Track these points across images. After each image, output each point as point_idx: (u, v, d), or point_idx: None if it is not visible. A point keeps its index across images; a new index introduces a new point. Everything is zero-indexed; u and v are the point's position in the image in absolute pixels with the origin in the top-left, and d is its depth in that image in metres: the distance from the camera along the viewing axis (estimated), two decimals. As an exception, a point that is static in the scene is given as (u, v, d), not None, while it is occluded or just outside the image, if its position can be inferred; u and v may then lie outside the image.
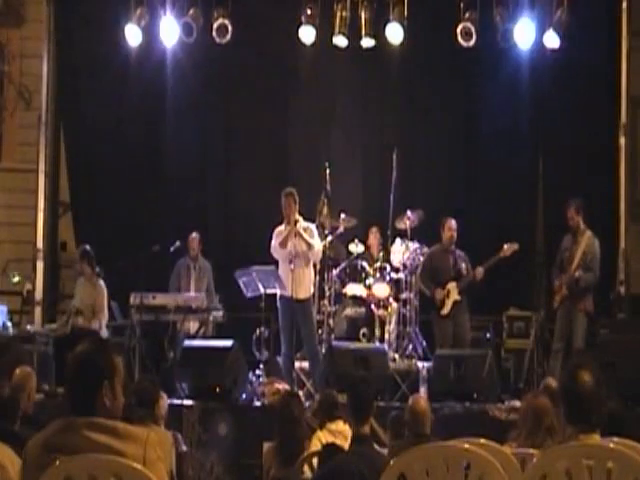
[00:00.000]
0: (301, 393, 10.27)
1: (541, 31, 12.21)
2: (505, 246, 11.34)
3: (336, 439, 6.78)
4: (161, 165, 13.68)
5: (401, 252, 11.98)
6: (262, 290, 10.82)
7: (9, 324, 11.61)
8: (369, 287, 11.86)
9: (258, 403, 10.28)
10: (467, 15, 12.18)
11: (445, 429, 7.46)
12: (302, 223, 10.96)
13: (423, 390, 10.60)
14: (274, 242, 10.91)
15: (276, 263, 11.00)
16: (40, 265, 13.35)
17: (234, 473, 9.55)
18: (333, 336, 11.59)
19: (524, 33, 12.17)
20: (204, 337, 11.40)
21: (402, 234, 12.10)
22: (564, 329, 11.00)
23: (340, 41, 12.63)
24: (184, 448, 7.64)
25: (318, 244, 11.01)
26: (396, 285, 12.02)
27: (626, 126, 12.93)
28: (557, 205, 12.04)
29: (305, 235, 10.83)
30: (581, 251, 11.01)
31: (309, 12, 12.52)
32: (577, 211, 11.05)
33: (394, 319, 11.91)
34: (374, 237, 12.43)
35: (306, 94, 13.50)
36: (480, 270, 11.32)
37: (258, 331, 11.37)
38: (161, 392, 7.11)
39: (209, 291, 12.13)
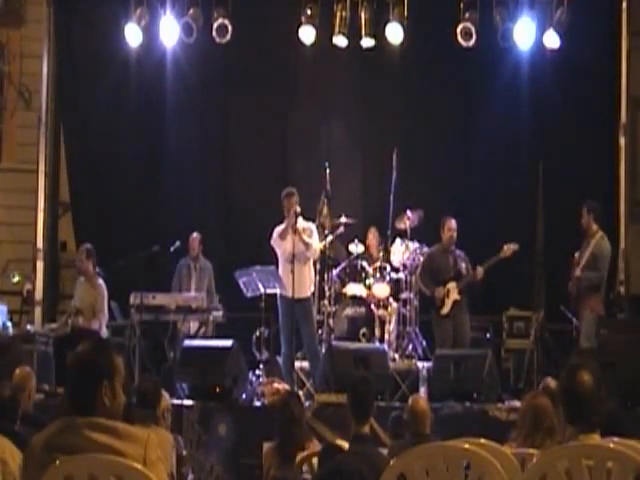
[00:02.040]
0: (301, 393, 10.27)
1: (541, 31, 12.22)
2: (505, 246, 11.34)
3: None
4: (161, 165, 13.68)
5: (401, 252, 11.98)
6: (262, 290, 10.82)
7: (9, 324, 11.61)
8: (369, 287, 11.86)
9: (258, 403, 10.28)
10: (467, 15, 12.18)
11: (445, 429, 7.46)
12: (302, 223, 10.96)
13: (423, 390, 10.60)
14: (275, 235, 10.92)
15: (276, 263, 11.01)
16: (40, 265, 13.35)
17: (234, 473, 9.55)
18: (333, 336, 11.58)
19: (524, 33, 12.17)
20: (204, 337, 11.40)
21: (402, 234, 12.10)
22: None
23: (340, 41, 12.63)
24: (184, 452, 7.63)
25: (316, 242, 11.02)
26: (396, 285, 12.02)
27: (626, 126, 12.94)
28: (557, 205, 12.06)
29: (303, 235, 10.84)
30: (589, 252, 11.04)
31: (309, 12, 12.52)
32: (588, 212, 11.09)
33: (394, 319, 11.91)
34: (373, 237, 12.44)
35: (306, 94, 13.49)
36: (480, 270, 11.32)
37: (258, 331, 11.37)
38: (162, 391, 7.10)
39: (210, 291, 12.12)
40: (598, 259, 11.01)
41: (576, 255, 11.14)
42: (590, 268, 10.98)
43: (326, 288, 11.76)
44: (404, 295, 11.94)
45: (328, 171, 11.86)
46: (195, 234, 12.28)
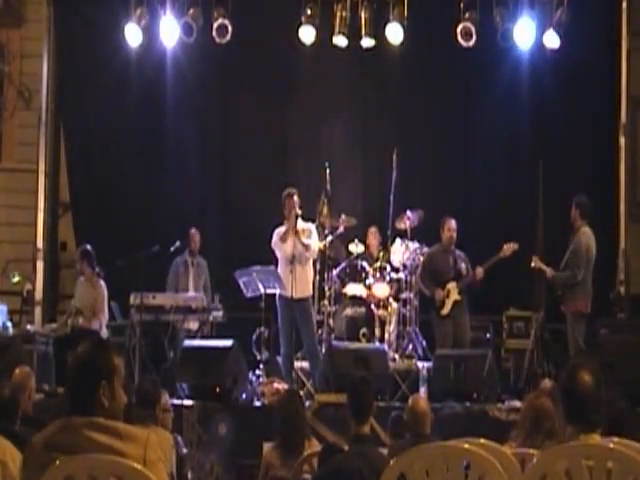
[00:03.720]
0: (301, 393, 10.26)
1: (541, 31, 12.21)
2: (505, 246, 11.32)
3: None
4: (161, 165, 13.68)
5: (401, 252, 11.98)
6: (262, 290, 10.82)
7: (9, 324, 11.61)
8: (369, 287, 11.86)
9: (258, 403, 10.28)
10: (467, 15, 12.18)
11: (445, 429, 7.47)
12: (301, 224, 10.95)
13: (423, 390, 10.60)
14: (275, 238, 10.91)
15: (276, 263, 11.00)
16: (40, 265, 13.35)
17: (234, 473, 9.55)
18: (333, 336, 11.59)
19: (524, 33, 12.17)
20: (204, 337, 11.40)
21: (402, 234, 12.10)
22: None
23: (340, 41, 12.63)
24: (184, 451, 7.63)
25: (315, 242, 11.01)
26: (396, 285, 12.01)
27: (626, 126, 12.93)
28: (557, 205, 12.05)
29: (302, 237, 10.83)
30: (569, 250, 11.00)
31: (309, 12, 12.51)
32: (575, 207, 11.04)
33: (394, 319, 11.91)
34: (373, 237, 12.44)
35: (306, 94, 13.49)
36: (480, 270, 11.31)
37: (258, 331, 11.37)
38: (162, 390, 7.10)
39: (206, 288, 12.12)
40: (576, 256, 10.89)
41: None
42: (569, 266, 10.91)
43: (326, 288, 11.76)
44: (404, 295, 11.94)
45: (328, 171, 11.86)
46: (194, 229, 12.25)
